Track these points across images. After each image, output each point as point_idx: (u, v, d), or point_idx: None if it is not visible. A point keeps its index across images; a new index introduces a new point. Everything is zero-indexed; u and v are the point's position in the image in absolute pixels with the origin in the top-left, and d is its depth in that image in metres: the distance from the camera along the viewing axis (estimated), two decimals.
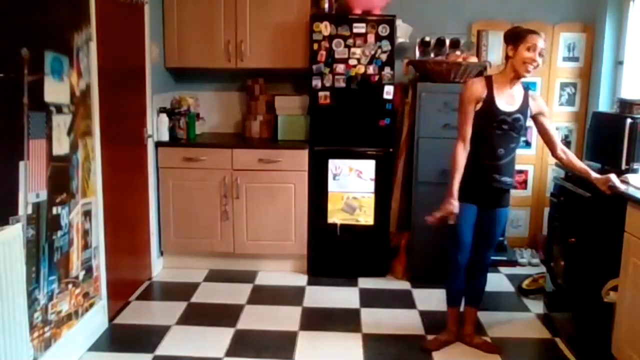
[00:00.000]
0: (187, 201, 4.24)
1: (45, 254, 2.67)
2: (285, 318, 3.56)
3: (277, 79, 4.59)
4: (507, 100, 2.93)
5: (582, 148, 4.46)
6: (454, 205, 2.92)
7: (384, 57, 4.02)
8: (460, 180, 3.03)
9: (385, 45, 4.01)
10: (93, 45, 3.12)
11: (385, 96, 4.04)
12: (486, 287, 3.29)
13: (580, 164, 3.04)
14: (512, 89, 2.95)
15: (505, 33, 2.98)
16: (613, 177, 2.82)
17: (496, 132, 2.92)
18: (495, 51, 4.33)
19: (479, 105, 2.93)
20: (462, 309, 3.29)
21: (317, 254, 4.27)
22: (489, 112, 2.91)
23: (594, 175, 2.93)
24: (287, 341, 3.26)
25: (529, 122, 3.11)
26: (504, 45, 3.04)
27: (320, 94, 4.07)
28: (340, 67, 4.03)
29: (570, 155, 3.08)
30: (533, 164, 4.71)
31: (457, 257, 3.10)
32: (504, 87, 2.93)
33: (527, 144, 4.66)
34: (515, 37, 2.88)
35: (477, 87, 2.93)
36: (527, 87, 3.05)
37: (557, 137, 3.11)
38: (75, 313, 2.99)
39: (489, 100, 2.91)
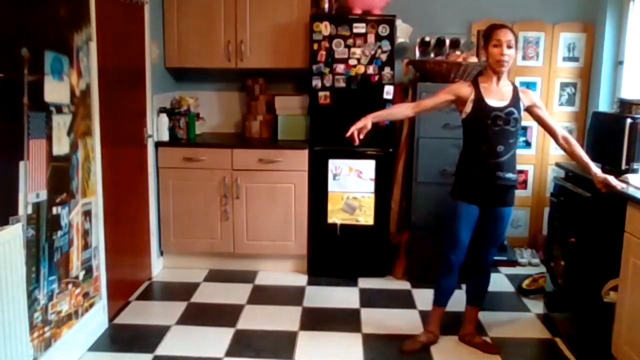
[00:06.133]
0: (187, 201, 4.24)
1: (45, 254, 2.67)
2: (285, 318, 3.56)
3: (277, 79, 4.59)
4: (497, 97, 2.95)
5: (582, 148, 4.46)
6: (368, 121, 3.02)
7: (384, 57, 4.02)
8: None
9: (385, 45, 4.01)
10: (93, 45, 3.12)
11: (385, 96, 4.04)
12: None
13: (582, 156, 3.01)
14: (499, 87, 2.98)
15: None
16: (612, 179, 2.82)
17: (493, 129, 2.93)
18: None
19: (468, 108, 2.96)
20: (451, 309, 3.29)
21: (317, 254, 4.26)
22: (481, 110, 2.94)
23: (594, 170, 2.93)
24: (287, 341, 3.26)
25: (531, 122, 3.11)
26: None
27: (320, 94, 4.07)
28: (340, 67, 4.03)
29: (573, 145, 3.04)
30: (533, 164, 4.71)
31: (451, 256, 3.09)
32: (490, 87, 2.97)
33: (527, 144, 4.66)
34: (484, 39, 2.98)
35: (462, 87, 3.04)
36: (514, 83, 3.08)
37: (557, 126, 3.09)
38: (75, 313, 2.99)
39: (479, 100, 2.95)
